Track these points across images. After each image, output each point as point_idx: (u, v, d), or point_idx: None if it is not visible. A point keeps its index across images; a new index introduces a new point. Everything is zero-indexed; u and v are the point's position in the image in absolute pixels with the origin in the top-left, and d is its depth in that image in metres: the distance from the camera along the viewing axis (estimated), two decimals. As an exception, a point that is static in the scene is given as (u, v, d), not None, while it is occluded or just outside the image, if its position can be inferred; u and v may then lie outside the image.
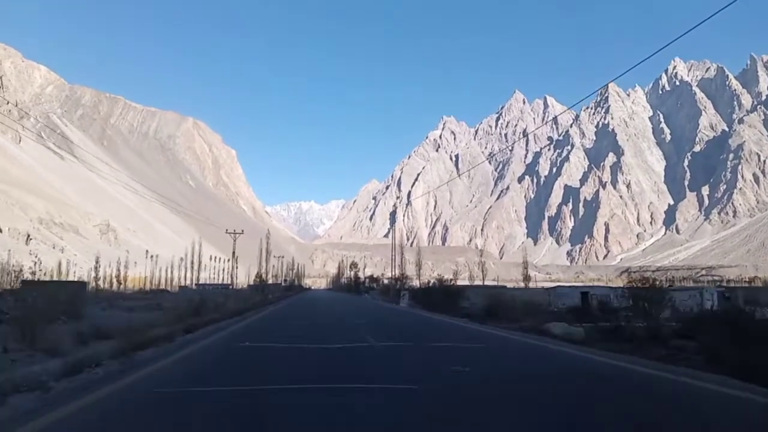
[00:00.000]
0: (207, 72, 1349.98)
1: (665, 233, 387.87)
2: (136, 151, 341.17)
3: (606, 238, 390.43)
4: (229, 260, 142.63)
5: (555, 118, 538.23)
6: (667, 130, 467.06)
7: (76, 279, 62.56)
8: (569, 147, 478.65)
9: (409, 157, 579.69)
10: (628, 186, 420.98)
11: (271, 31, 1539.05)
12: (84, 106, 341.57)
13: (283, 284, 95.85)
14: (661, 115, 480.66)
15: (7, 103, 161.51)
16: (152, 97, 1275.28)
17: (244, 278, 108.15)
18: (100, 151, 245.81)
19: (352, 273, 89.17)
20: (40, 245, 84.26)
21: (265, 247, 61.10)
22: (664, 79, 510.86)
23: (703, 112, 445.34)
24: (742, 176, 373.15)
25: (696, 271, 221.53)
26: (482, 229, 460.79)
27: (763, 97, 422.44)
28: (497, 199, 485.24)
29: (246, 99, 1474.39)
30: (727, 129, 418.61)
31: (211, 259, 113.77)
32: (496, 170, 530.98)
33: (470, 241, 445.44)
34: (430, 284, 38.32)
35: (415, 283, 54.56)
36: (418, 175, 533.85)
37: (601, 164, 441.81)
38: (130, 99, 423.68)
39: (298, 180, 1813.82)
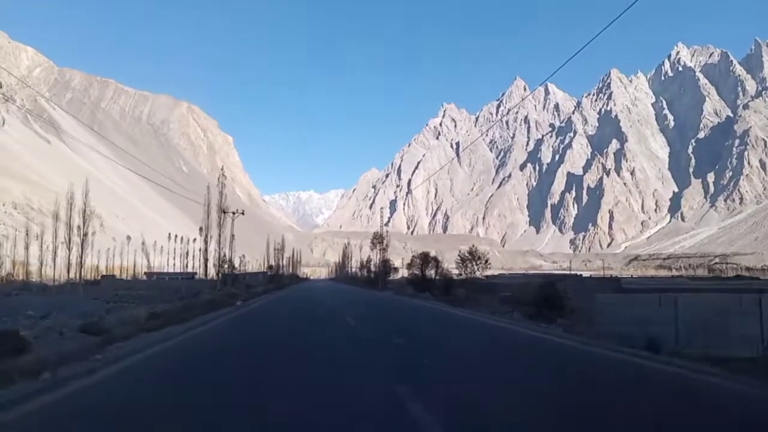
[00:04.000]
0: (202, 56, 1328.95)
1: (670, 221, 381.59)
2: (128, 136, 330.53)
3: (610, 226, 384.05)
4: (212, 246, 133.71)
5: (557, 105, 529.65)
6: (670, 117, 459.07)
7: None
8: (572, 134, 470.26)
9: (409, 145, 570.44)
10: (632, 173, 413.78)
11: (270, 17, 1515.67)
12: (74, 90, 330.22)
13: (268, 272, 72.61)
14: (664, 102, 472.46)
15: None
16: (145, 80, 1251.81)
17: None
18: (89, 136, 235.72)
19: (375, 253, 57.40)
20: (9, 230, 75.87)
21: (218, 203, 33.44)
22: (667, 65, 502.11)
23: (707, 98, 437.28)
24: (749, 162, 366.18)
25: (710, 258, 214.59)
26: (484, 218, 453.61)
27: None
28: (499, 187, 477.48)
29: (243, 86, 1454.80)
30: (731, 115, 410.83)
31: (179, 241, 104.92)
32: (497, 158, 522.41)
33: (471, 229, 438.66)
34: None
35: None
36: (419, 163, 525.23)
37: (605, 151, 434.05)
38: (121, 82, 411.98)
39: (296, 169, 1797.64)
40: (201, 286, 35.94)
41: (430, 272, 31.58)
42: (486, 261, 34.13)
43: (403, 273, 52.56)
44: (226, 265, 38.44)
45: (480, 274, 33.99)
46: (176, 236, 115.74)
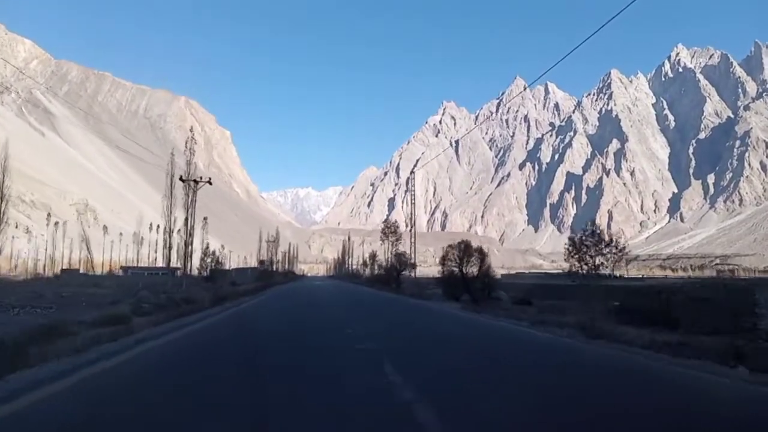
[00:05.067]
0: (202, 51, 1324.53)
1: (669, 221, 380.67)
2: (124, 130, 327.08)
3: (609, 226, 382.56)
4: (225, 247, 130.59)
5: (557, 104, 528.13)
6: (671, 117, 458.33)
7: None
8: (572, 133, 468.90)
9: (408, 142, 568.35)
10: (632, 173, 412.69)
11: (270, 14, 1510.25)
12: (70, 83, 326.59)
13: (259, 267, 63.68)
14: (664, 102, 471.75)
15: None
16: (143, 75, 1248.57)
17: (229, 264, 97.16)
18: (85, 129, 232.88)
19: (385, 247, 46.10)
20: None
21: (186, 173, 25.42)
22: (667, 65, 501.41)
23: (708, 99, 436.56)
24: (749, 164, 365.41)
25: (710, 259, 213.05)
26: (482, 216, 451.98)
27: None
28: (498, 185, 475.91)
29: (243, 83, 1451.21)
30: (732, 116, 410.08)
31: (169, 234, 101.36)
32: (496, 156, 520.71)
33: (470, 228, 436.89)
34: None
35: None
36: (418, 161, 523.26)
37: (605, 151, 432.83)
38: (119, 76, 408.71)
39: (295, 166, 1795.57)
40: (165, 284, 28.29)
41: (472, 269, 21.61)
42: (622, 249, 17.25)
43: (413, 272, 40.89)
44: (209, 259, 31.22)
45: (611, 271, 18.49)
46: (158, 227, 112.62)
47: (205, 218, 44.38)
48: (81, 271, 71.97)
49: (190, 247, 27.71)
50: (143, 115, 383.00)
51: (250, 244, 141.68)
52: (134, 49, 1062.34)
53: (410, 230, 36.91)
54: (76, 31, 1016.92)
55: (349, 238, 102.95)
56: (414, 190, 36.34)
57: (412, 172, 34.27)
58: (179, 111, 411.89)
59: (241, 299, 23.49)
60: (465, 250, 22.70)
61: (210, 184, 26.93)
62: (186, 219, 26.40)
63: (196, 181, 26.09)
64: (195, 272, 35.83)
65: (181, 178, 25.69)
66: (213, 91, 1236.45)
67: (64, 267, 73.29)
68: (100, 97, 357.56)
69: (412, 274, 39.49)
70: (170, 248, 27.01)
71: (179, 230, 27.67)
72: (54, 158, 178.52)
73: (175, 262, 28.39)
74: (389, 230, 46.33)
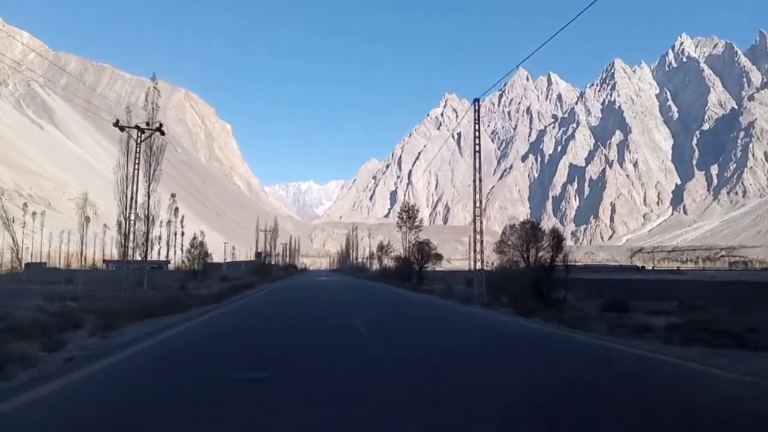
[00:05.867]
0: (202, 44, 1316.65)
1: (672, 213, 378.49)
2: (124, 122, 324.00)
3: (612, 219, 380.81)
4: (225, 242, 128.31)
5: (559, 96, 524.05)
6: (674, 108, 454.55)
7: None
8: (574, 125, 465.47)
9: (410, 135, 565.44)
10: (635, 165, 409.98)
11: (271, 7, 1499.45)
12: (69, 75, 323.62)
13: (256, 260, 57.44)
14: (668, 93, 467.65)
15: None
16: (143, 66, 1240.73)
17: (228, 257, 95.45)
18: (84, 122, 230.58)
19: (401, 236, 37.40)
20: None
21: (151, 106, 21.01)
22: (671, 55, 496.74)
23: (712, 90, 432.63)
24: (753, 155, 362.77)
25: (715, 251, 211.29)
26: (484, 210, 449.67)
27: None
28: (500, 178, 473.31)
29: (243, 76, 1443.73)
30: (736, 107, 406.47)
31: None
32: (499, 149, 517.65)
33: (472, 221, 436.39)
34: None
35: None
36: (419, 153, 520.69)
37: (608, 142, 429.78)
38: (118, 68, 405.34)
39: (296, 159, 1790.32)
40: (120, 281, 19.62)
41: (545, 257, 15.23)
42: None
43: (433, 266, 33.13)
44: (196, 251, 25.94)
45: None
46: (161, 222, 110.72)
47: (173, 195, 39.79)
48: (49, 265, 69.25)
49: (193, 242, 22.54)
50: (143, 108, 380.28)
51: (252, 238, 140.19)
52: (134, 41, 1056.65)
53: (475, 196, 32.39)
54: (74, 22, 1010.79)
55: (355, 230, 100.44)
56: (479, 138, 28.57)
57: (476, 101, 22.61)
58: (179, 103, 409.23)
59: (178, 317, 11.99)
60: (532, 232, 15.76)
61: (162, 133, 20.63)
62: (148, 191, 19.75)
63: (140, 129, 19.20)
64: (185, 266, 32.37)
65: (116, 123, 18.98)
66: (213, 84, 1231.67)
67: (36, 261, 70.64)
68: (99, 89, 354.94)
69: (436, 268, 33.81)
70: (125, 235, 19.53)
71: (169, 219, 23.49)
72: (53, 152, 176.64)
73: (131, 253, 21.22)
74: (407, 215, 37.75)
